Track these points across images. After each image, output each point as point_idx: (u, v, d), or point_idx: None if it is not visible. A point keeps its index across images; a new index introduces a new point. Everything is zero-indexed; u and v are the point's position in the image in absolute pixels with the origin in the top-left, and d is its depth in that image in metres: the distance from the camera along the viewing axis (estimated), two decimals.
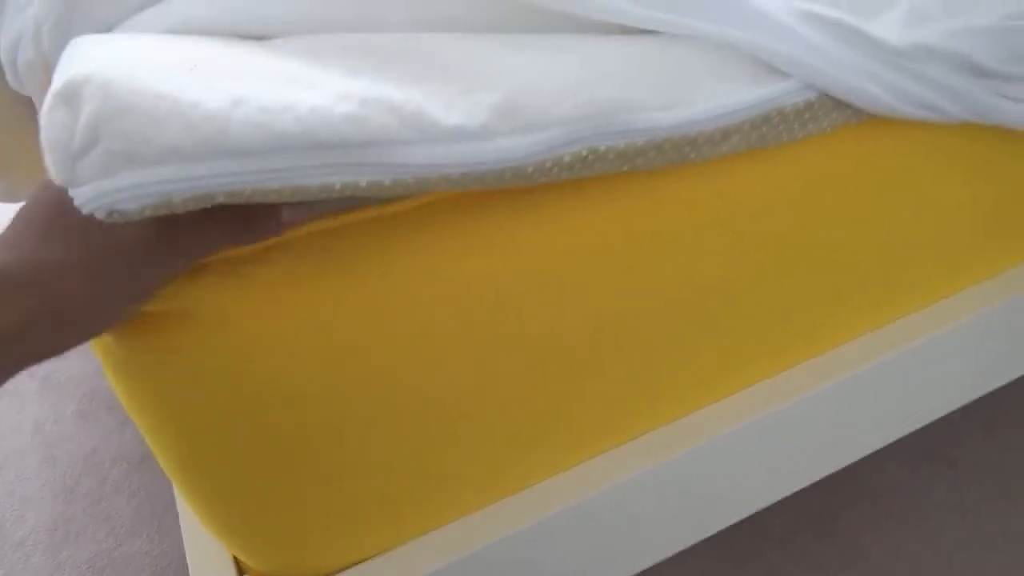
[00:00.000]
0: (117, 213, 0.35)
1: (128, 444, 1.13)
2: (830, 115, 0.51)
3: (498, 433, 0.56)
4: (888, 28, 0.51)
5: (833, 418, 0.70)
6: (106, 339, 0.43)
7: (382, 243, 0.45)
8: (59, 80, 0.35)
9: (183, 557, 0.57)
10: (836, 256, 0.62)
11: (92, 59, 0.37)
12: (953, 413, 0.81)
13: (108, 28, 0.55)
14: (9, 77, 0.66)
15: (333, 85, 0.39)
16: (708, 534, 0.72)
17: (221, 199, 0.36)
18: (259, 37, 0.47)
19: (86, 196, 0.34)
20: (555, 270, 0.50)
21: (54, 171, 0.35)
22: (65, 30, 0.55)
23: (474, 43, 0.46)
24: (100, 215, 0.35)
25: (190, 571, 0.56)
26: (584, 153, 0.43)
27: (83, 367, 1.25)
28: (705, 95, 0.45)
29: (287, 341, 0.44)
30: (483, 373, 0.52)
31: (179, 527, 0.59)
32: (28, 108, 0.72)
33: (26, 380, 1.25)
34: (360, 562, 0.56)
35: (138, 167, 0.34)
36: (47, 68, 0.59)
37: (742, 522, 0.73)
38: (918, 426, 0.80)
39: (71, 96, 0.34)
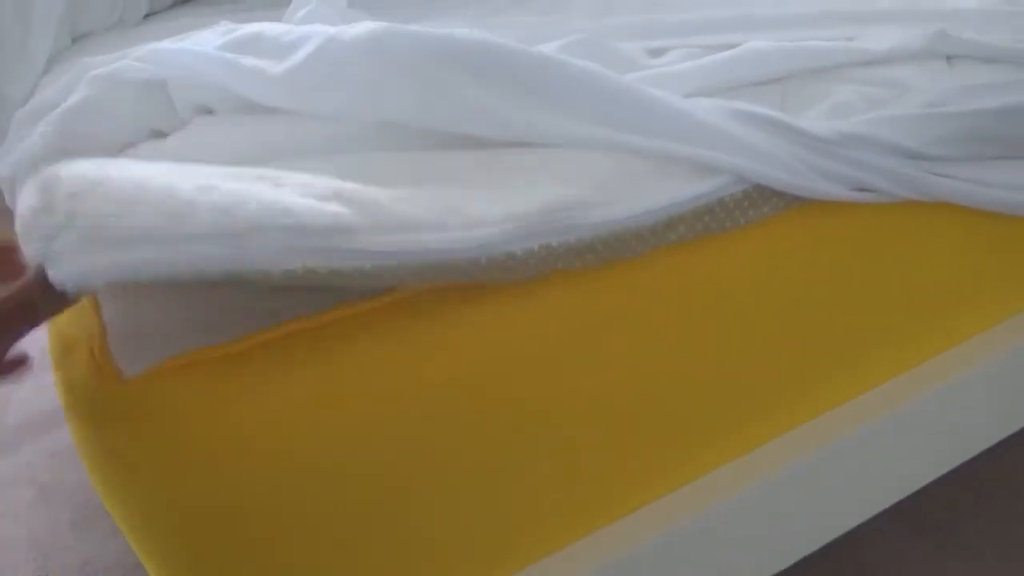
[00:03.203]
0: (86, 288, 0.37)
1: (123, 551, 1.12)
2: (769, 201, 0.55)
3: (490, 517, 0.57)
4: (812, 123, 0.55)
5: (821, 487, 0.71)
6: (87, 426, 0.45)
7: (372, 337, 0.47)
8: (40, 176, 0.38)
9: None
10: (805, 329, 0.64)
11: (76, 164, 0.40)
12: (952, 484, 0.81)
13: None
14: (8, 199, 0.71)
15: (297, 181, 0.42)
16: None
17: (187, 278, 0.38)
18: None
19: (60, 275, 0.36)
20: (536, 355, 0.52)
21: (29, 246, 0.37)
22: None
23: (437, 158, 0.50)
24: (71, 290, 0.37)
25: None
26: (536, 248, 0.46)
27: (79, 477, 1.25)
28: (649, 192, 0.49)
29: (272, 438, 0.46)
30: (471, 456, 0.53)
31: None
32: None
33: (22, 491, 1.25)
34: None
35: (109, 249, 0.36)
36: None
37: None
38: (908, 492, 0.79)
39: (50, 185, 0.37)
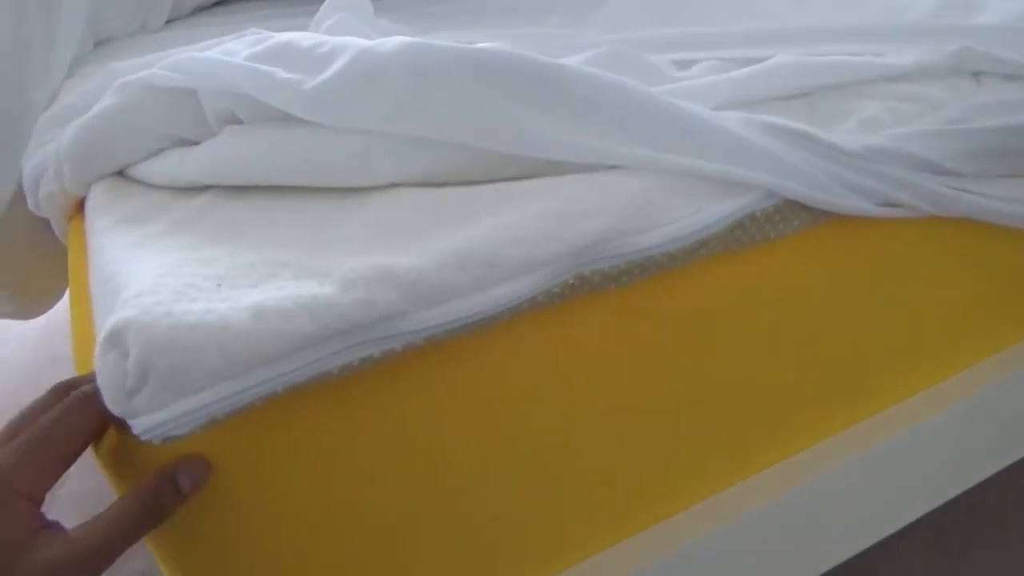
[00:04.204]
0: (171, 438, 0.39)
1: (119, 564, 1.12)
2: (799, 215, 0.55)
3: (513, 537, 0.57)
4: (841, 137, 0.55)
5: (825, 511, 0.71)
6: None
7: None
8: (106, 326, 0.39)
9: None
10: (821, 348, 0.64)
11: (130, 299, 0.41)
12: (964, 502, 0.81)
13: (123, 167, 0.60)
14: (30, 202, 0.71)
15: (338, 269, 0.43)
16: None
17: (257, 404, 0.40)
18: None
19: (142, 427, 0.38)
20: (539, 377, 0.52)
21: (111, 407, 0.39)
22: (84, 170, 0.60)
23: (466, 196, 0.50)
24: (156, 442, 0.39)
25: None
26: (571, 280, 0.47)
27: (82, 486, 1.25)
28: (678, 214, 0.49)
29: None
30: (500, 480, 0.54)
31: None
32: (44, 230, 0.76)
33: None
34: None
35: (185, 396, 0.38)
36: (65, 196, 0.64)
37: None
38: (913, 517, 0.79)
39: (118, 341, 0.38)
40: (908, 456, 0.72)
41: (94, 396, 0.40)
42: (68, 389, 0.42)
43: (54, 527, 0.39)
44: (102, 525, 0.39)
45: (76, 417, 0.40)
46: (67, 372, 0.49)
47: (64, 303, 1.10)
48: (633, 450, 0.58)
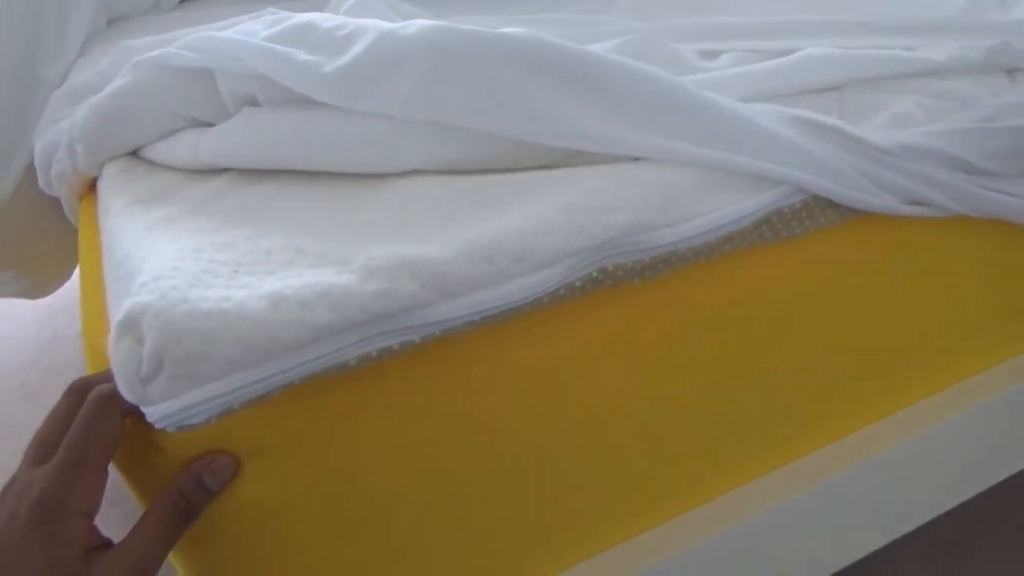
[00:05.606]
0: (185, 427, 0.38)
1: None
2: (826, 211, 0.53)
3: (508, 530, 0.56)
4: (872, 132, 0.54)
5: (836, 513, 0.70)
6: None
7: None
8: (120, 311, 0.38)
9: None
10: (837, 348, 0.63)
11: (146, 283, 0.40)
12: (972, 506, 0.80)
13: (136, 148, 0.59)
14: (41, 181, 0.70)
15: (358, 257, 0.42)
16: None
17: (275, 395, 0.39)
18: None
19: (157, 415, 0.37)
20: (558, 371, 0.51)
21: (125, 394, 0.38)
22: (97, 149, 0.59)
23: (489, 186, 0.49)
24: (171, 430, 0.38)
25: None
26: (594, 274, 0.46)
27: None
28: (705, 208, 0.48)
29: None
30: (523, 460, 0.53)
31: None
32: (55, 209, 0.75)
33: None
34: None
35: (200, 385, 0.37)
36: (78, 175, 0.63)
37: None
38: (924, 520, 0.78)
39: (133, 326, 0.37)
40: (923, 458, 0.71)
41: (113, 398, 0.39)
42: (82, 390, 0.42)
43: (107, 542, 0.40)
44: (145, 535, 0.40)
45: (104, 425, 0.39)
46: (72, 351, 0.49)
47: (70, 282, 1.09)
48: (647, 446, 0.58)
